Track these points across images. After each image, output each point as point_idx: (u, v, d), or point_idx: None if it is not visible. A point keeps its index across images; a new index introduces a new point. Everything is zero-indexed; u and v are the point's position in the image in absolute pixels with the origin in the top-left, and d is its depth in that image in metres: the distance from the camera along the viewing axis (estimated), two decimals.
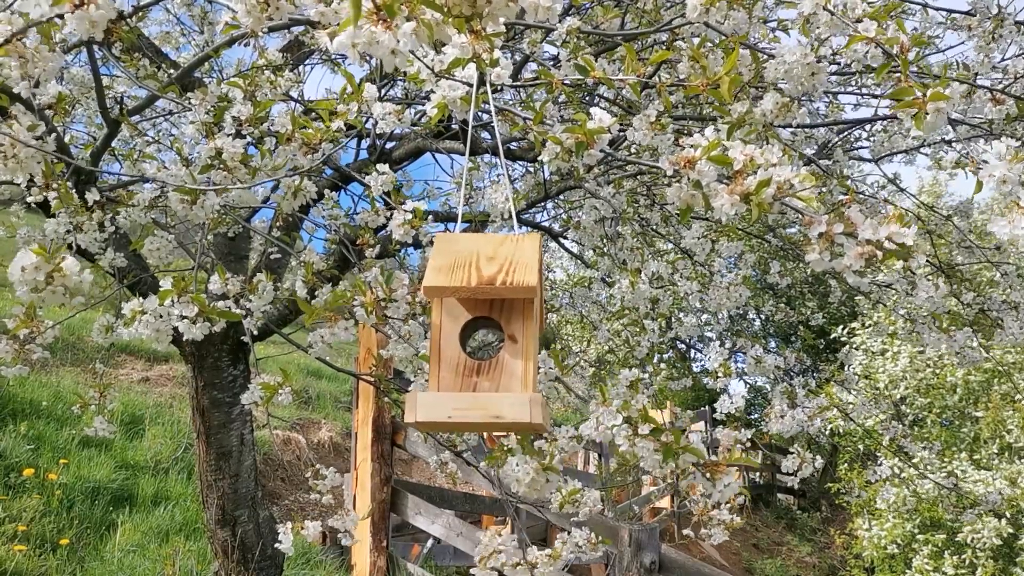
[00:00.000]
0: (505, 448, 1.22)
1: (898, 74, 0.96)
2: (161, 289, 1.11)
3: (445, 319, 0.82)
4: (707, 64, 1.03)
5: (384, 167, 1.62)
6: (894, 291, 2.16)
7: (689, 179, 0.88)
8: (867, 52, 1.02)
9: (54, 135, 1.31)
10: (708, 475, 1.03)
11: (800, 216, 0.86)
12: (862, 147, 3.15)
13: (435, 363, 0.81)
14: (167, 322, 1.11)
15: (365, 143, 3.20)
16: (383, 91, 3.04)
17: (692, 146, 0.89)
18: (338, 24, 0.76)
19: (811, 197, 0.82)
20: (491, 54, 0.91)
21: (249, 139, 1.48)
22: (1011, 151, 0.85)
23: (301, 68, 2.99)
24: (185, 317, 1.11)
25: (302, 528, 1.51)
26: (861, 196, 2.94)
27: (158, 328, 1.11)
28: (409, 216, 1.41)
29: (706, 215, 2.92)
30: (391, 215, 1.54)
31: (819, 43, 2.66)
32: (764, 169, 0.84)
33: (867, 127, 2.97)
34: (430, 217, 1.51)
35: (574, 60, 1.25)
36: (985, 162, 0.87)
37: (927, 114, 0.90)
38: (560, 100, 1.98)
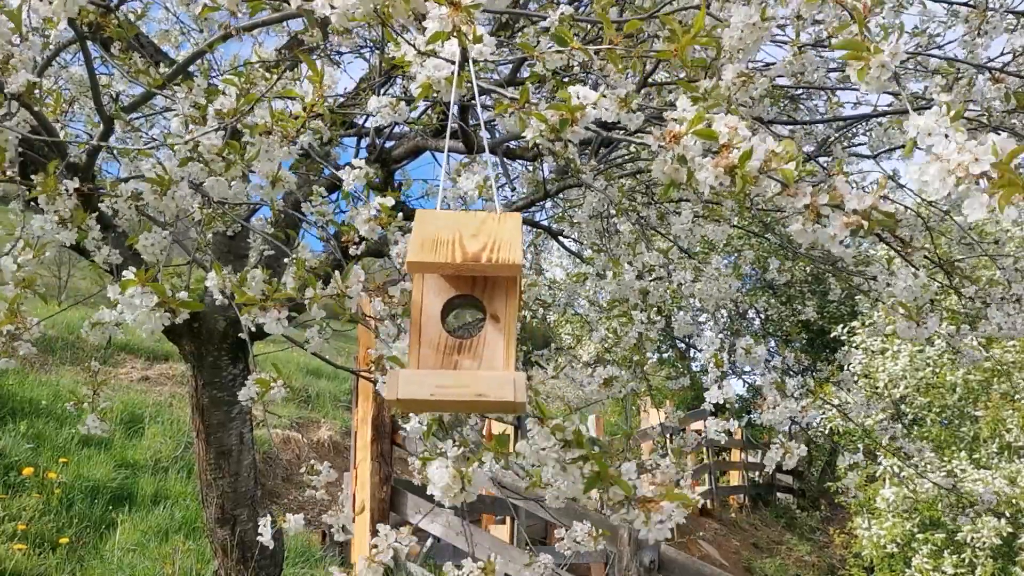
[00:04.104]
0: (484, 447, 1.20)
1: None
2: (123, 279, 1.10)
3: (427, 296, 0.81)
4: (677, 27, 1.03)
5: (359, 162, 1.61)
6: (875, 280, 2.17)
7: (674, 154, 0.87)
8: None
9: (15, 119, 1.31)
10: (641, 512, 1.00)
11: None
12: (861, 144, 3.15)
13: (415, 341, 0.80)
14: (140, 312, 1.10)
15: (365, 142, 3.20)
16: (382, 90, 3.04)
17: (676, 120, 0.89)
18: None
19: (791, 171, 0.82)
20: (472, 27, 0.90)
21: (248, 136, 1.47)
22: (945, 106, 0.83)
23: (299, 67, 2.99)
24: (147, 307, 1.10)
25: (284, 521, 1.50)
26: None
27: (135, 319, 1.10)
28: (375, 212, 1.39)
29: (694, 196, 2.92)
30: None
31: (804, 25, 2.65)
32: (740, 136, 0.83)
33: (865, 123, 2.97)
34: (400, 215, 1.48)
35: (552, 31, 1.24)
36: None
37: (871, 68, 0.89)
38: (554, 96, 1.97)
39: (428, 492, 1.11)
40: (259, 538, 1.53)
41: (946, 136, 0.79)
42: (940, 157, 0.77)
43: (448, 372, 0.78)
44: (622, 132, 1.21)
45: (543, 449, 1.04)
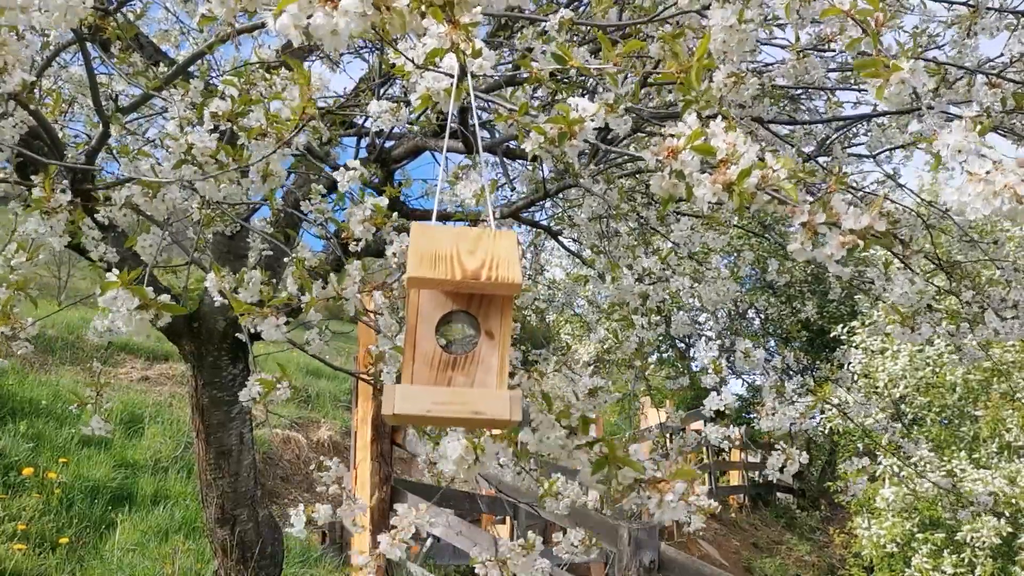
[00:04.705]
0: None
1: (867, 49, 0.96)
2: (104, 281, 1.10)
3: (422, 311, 0.81)
4: (679, 50, 1.03)
5: (355, 163, 1.61)
6: (873, 284, 2.17)
7: (672, 169, 0.88)
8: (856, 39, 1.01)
9: (17, 113, 1.30)
10: (650, 494, 0.99)
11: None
12: (861, 144, 3.15)
13: (409, 356, 0.80)
14: (122, 315, 1.10)
15: (364, 142, 3.20)
16: (382, 90, 3.04)
17: (674, 135, 0.89)
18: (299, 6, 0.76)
19: (792, 187, 0.82)
20: (471, 44, 0.90)
21: (243, 139, 1.47)
22: (970, 121, 0.84)
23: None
24: (129, 309, 1.09)
25: (313, 511, 1.50)
26: (861, 192, 2.94)
27: (128, 322, 1.10)
28: (369, 212, 1.39)
29: (694, 210, 2.92)
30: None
31: (819, 39, 2.66)
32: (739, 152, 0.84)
33: (865, 123, 2.97)
34: (395, 215, 1.48)
35: (550, 49, 1.24)
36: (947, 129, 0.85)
37: (890, 85, 0.89)
38: (553, 99, 1.97)
39: (439, 467, 1.11)
40: (289, 530, 1.53)
41: (981, 155, 0.80)
42: (982, 178, 0.77)
43: (443, 388, 0.78)
44: (621, 144, 1.21)
45: (548, 438, 1.04)
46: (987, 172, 0.78)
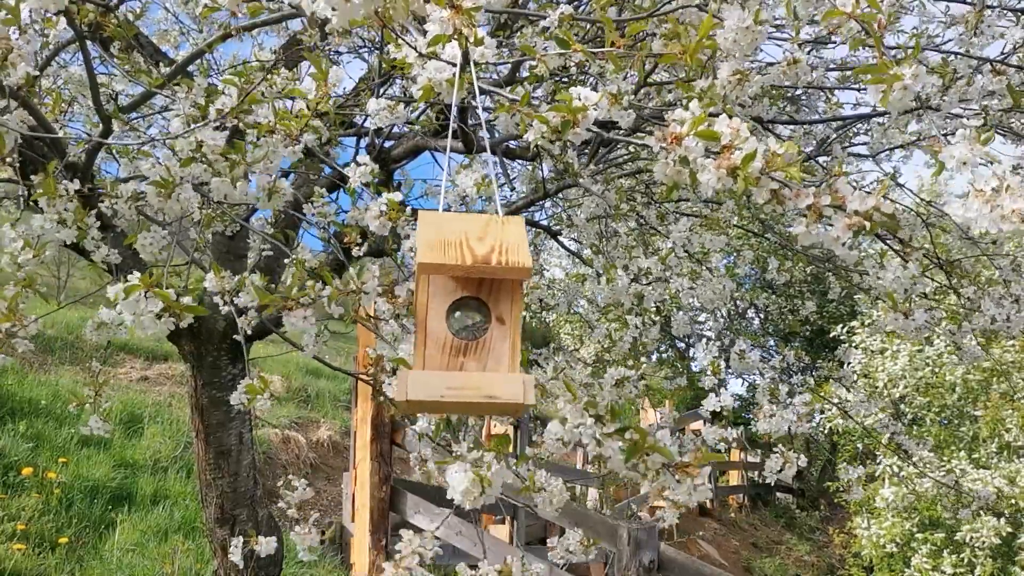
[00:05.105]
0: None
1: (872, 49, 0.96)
2: (127, 283, 1.10)
3: (433, 297, 0.81)
4: (682, 30, 1.03)
5: (365, 158, 1.61)
6: (867, 275, 2.17)
7: (676, 155, 0.87)
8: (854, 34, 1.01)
9: (17, 112, 1.31)
10: (678, 477, 1.01)
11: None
12: (860, 143, 3.15)
13: (420, 342, 0.80)
14: (142, 313, 1.10)
15: (364, 142, 3.20)
16: (381, 90, 3.04)
17: (677, 121, 0.89)
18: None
19: (797, 170, 0.82)
20: (473, 30, 0.90)
21: (251, 136, 1.47)
22: (974, 132, 0.86)
23: (298, 67, 2.98)
24: (151, 312, 1.09)
25: (256, 544, 1.51)
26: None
27: (138, 317, 1.10)
28: (384, 208, 1.39)
29: (693, 210, 2.91)
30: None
31: (815, 39, 2.65)
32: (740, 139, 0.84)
33: (865, 123, 2.97)
34: (408, 209, 1.49)
35: (551, 45, 1.24)
36: (949, 143, 0.87)
37: (893, 91, 0.90)
38: (553, 98, 1.97)
39: (448, 496, 1.09)
40: (230, 556, 1.53)
41: (991, 170, 0.81)
42: (988, 198, 0.78)
43: (456, 374, 0.78)
44: (622, 133, 1.21)
45: (577, 427, 1.04)
46: (992, 190, 0.79)
